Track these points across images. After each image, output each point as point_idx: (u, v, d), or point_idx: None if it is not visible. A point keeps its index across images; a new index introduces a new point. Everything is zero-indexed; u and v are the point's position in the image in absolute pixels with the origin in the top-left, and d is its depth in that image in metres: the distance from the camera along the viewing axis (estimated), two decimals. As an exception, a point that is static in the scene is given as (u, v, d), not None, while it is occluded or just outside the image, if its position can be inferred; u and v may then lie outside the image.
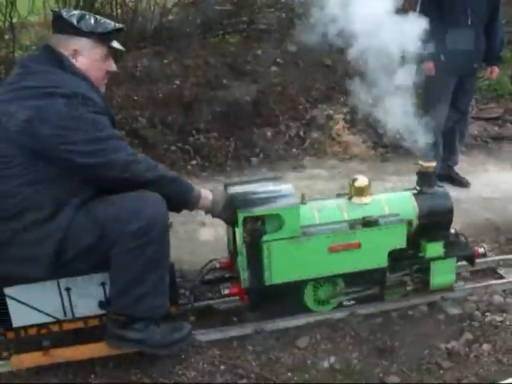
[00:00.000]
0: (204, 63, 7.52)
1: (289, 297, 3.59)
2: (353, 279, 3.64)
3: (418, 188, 3.79)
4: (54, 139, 2.81)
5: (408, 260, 3.73)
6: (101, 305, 3.22)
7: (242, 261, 3.37)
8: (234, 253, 3.64)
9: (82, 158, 2.86)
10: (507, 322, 3.61)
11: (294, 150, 7.01)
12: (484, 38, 5.44)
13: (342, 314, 3.68)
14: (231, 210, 3.31)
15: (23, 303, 3.14)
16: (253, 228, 3.31)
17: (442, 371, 3.26)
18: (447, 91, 5.48)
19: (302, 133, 7.26)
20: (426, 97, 5.64)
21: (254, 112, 7.19)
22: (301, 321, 3.61)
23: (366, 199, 3.65)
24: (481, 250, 3.95)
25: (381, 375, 3.25)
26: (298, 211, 3.36)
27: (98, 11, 7.03)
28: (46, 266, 2.96)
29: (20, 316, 3.17)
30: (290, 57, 8.05)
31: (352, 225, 3.52)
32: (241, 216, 3.26)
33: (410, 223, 3.62)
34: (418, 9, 5.28)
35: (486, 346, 3.41)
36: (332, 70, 8.10)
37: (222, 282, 3.74)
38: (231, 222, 3.44)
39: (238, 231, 3.32)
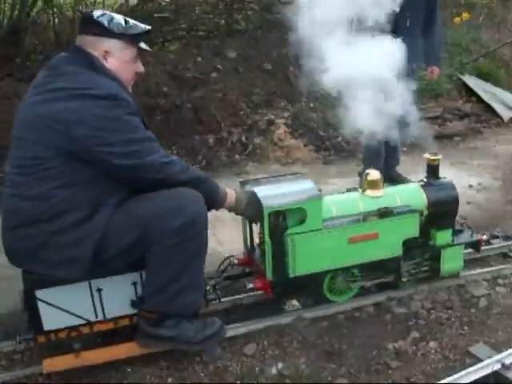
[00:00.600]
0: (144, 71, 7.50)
1: (309, 289, 3.72)
2: (369, 269, 3.76)
3: (425, 180, 3.93)
4: (90, 140, 2.82)
5: (420, 248, 3.86)
6: (133, 304, 3.24)
7: (268, 254, 3.45)
8: (251, 249, 3.75)
9: (118, 159, 2.88)
10: (452, 319, 3.68)
11: (236, 156, 6.98)
12: (422, 39, 5.51)
13: (288, 319, 3.67)
14: (254, 206, 3.39)
15: (54, 306, 3.12)
16: (277, 222, 3.41)
17: (390, 371, 3.27)
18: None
19: (244, 139, 7.24)
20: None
21: (195, 119, 7.14)
22: (249, 328, 3.59)
23: (378, 192, 3.77)
24: (484, 237, 4.17)
25: (329, 378, 3.23)
26: (320, 204, 3.47)
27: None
28: (84, 267, 2.98)
29: (51, 319, 3.13)
30: (230, 63, 8.03)
31: (369, 216, 3.65)
32: (267, 211, 3.35)
33: (420, 213, 3.75)
34: None
35: (432, 344, 3.44)
36: (272, 75, 8.10)
37: (242, 278, 3.85)
38: (254, 219, 3.54)
39: (265, 226, 3.39)
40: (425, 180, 3.96)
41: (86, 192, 2.92)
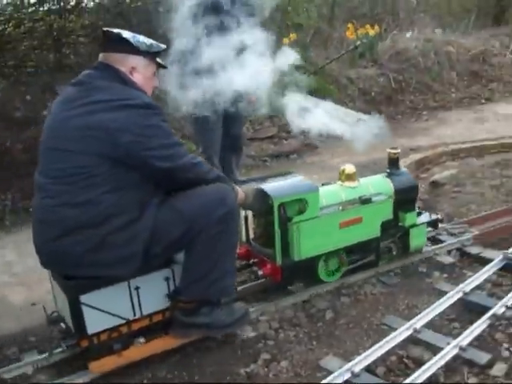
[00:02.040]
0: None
1: (308, 271, 4.08)
2: (354, 251, 4.24)
3: (388, 171, 4.50)
4: (134, 146, 3.04)
5: (393, 229, 4.41)
6: (169, 297, 3.44)
7: (277, 242, 3.83)
8: (248, 242, 4.17)
9: (159, 162, 3.11)
10: (300, 335, 3.67)
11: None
12: None
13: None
14: (261, 200, 3.78)
15: (97, 309, 3.22)
16: (285, 213, 3.82)
17: (244, 395, 3.28)
18: (219, 119, 5.29)
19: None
20: (199, 127, 5.56)
21: (28, 160, 6.54)
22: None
23: (354, 183, 4.29)
24: (439, 217, 4.81)
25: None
26: (318, 195, 3.92)
27: None
28: (136, 265, 3.18)
29: (94, 322, 3.24)
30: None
31: (353, 203, 4.17)
32: (277, 203, 3.75)
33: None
34: None
35: (283, 363, 3.42)
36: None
37: (245, 269, 4.20)
38: (260, 212, 3.94)
39: (275, 216, 3.77)
40: (388, 171, 4.50)
41: (131, 195, 3.13)
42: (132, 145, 3.03)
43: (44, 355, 3.49)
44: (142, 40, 3.31)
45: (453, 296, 3.87)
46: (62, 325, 3.45)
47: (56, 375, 3.40)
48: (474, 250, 4.63)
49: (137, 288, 3.32)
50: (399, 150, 4.51)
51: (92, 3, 8.86)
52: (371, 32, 11.98)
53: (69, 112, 3.10)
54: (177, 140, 3.33)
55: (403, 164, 6.21)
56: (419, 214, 4.61)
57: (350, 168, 4.32)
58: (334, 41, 12.38)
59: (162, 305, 3.46)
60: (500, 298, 3.87)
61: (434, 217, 4.67)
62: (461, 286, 3.98)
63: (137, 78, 3.30)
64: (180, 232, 3.21)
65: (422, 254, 4.56)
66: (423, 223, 4.55)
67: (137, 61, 3.29)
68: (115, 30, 3.31)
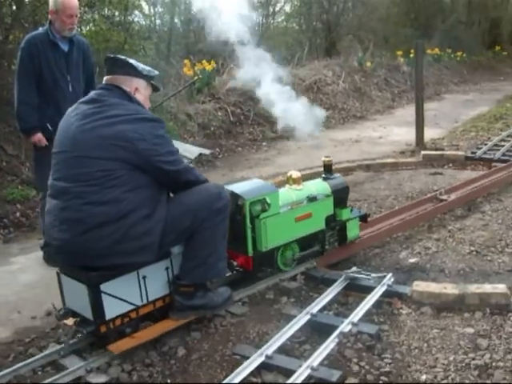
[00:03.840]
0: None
1: (270, 260, 4.65)
2: (304, 242, 4.85)
3: (323, 175, 5.25)
4: (149, 153, 3.60)
5: (333, 222, 5.08)
6: (172, 283, 3.96)
7: (248, 236, 4.44)
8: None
9: (168, 166, 3.70)
10: (154, 375, 3.63)
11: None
12: None
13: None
14: (231, 201, 4.23)
15: (114, 296, 3.67)
16: (254, 211, 4.44)
17: None
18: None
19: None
20: (35, 164, 5.77)
21: None
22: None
23: (300, 186, 4.98)
24: (367, 213, 5.61)
25: None
26: (278, 195, 4.62)
27: None
28: (155, 251, 3.72)
29: (111, 309, 3.67)
30: None
31: (302, 202, 4.85)
32: (247, 202, 4.40)
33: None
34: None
35: None
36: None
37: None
38: (231, 211, 4.31)
39: (246, 214, 4.40)
40: (324, 176, 5.25)
41: (146, 193, 3.66)
42: (148, 151, 3.60)
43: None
44: (142, 66, 3.94)
45: (301, 319, 3.98)
46: (70, 320, 3.87)
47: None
48: (317, 273, 4.77)
49: (144, 277, 3.81)
50: (332, 158, 5.30)
51: None
52: (208, 67, 12.19)
53: (90, 125, 3.59)
54: (175, 148, 3.87)
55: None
56: (351, 210, 5.29)
57: (296, 173, 5.07)
58: (172, 77, 12.74)
59: (163, 292, 3.96)
60: (346, 316, 4.02)
61: (362, 212, 5.49)
62: (308, 308, 4.09)
63: (139, 97, 3.88)
64: (188, 222, 3.80)
65: (268, 282, 4.66)
66: (356, 217, 5.27)
67: (139, 83, 3.90)
68: (121, 57, 3.96)
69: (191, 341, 3.94)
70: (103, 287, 3.61)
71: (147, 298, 3.86)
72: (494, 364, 3.52)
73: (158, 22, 19.11)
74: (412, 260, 5.24)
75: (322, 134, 11.38)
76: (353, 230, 5.22)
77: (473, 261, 5.19)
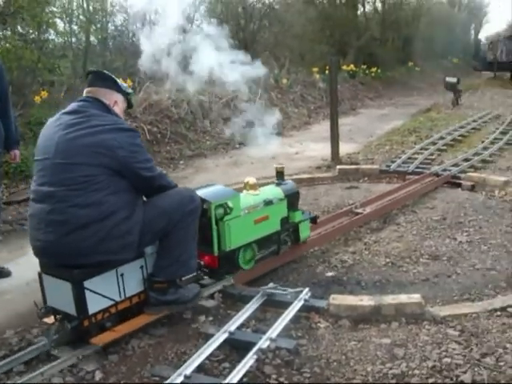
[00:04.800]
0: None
1: (233, 260, 4.94)
2: (262, 243, 5.19)
3: (276, 181, 5.64)
4: (128, 160, 3.90)
5: (287, 224, 5.46)
6: (147, 280, 4.25)
7: (214, 236, 4.75)
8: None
9: (145, 172, 4.02)
10: None
11: None
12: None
13: None
14: None
15: (95, 292, 3.93)
16: (218, 213, 4.74)
17: None
18: None
19: None
20: None
21: None
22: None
23: (256, 191, 5.31)
24: (317, 215, 6.13)
25: None
26: (239, 199, 4.95)
27: None
28: (134, 250, 4.05)
29: (93, 304, 3.92)
30: None
31: (259, 205, 5.18)
32: (213, 205, 4.69)
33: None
34: None
35: None
36: None
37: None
38: None
39: (212, 216, 4.70)
40: (276, 181, 5.65)
41: (125, 197, 3.95)
42: (126, 158, 3.89)
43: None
44: (121, 82, 4.33)
45: (219, 337, 3.95)
46: (51, 319, 4.11)
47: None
48: (235, 291, 4.77)
49: (122, 274, 4.08)
50: (284, 165, 5.82)
51: None
52: (124, 85, 12.03)
53: (73, 134, 3.85)
54: (149, 156, 4.18)
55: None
56: (302, 213, 5.68)
57: (252, 180, 5.42)
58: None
59: (139, 289, 4.24)
60: (264, 332, 4.00)
61: (312, 215, 5.89)
62: (226, 326, 4.07)
63: (117, 109, 4.20)
64: (163, 223, 4.12)
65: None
66: (307, 219, 5.68)
67: (118, 97, 4.25)
68: (104, 71, 4.31)
69: (108, 364, 3.87)
70: (86, 284, 3.87)
71: (125, 294, 4.13)
72: (410, 372, 3.58)
73: (73, 39, 18.75)
74: (329, 274, 5.30)
75: (240, 152, 11.46)
76: (304, 231, 5.65)
77: (388, 272, 5.30)
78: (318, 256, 5.78)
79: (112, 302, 4.06)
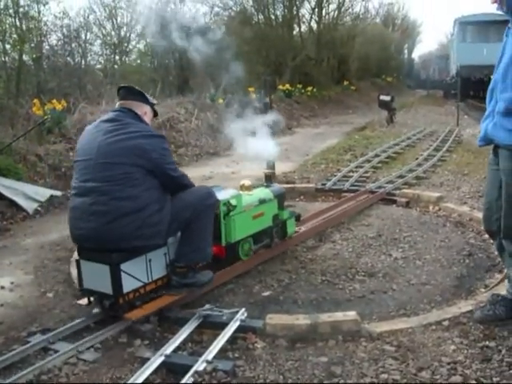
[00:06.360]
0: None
1: (234, 252, 5.63)
2: (256, 237, 5.90)
3: (265, 184, 6.46)
4: (159, 161, 4.54)
5: (277, 220, 6.19)
6: (170, 265, 4.86)
7: (223, 229, 5.47)
8: None
9: (172, 172, 4.69)
10: None
11: None
12: None
13: None
14: None
15: (129, 274, 4.49)
16: (226, 209, 5.47)
17: None
18: None
19: None
20: None
21: None
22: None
23: (251, 192, 6.04)
24: (300, 213, 6.90)
25: None
26: (242, 198, 5.69)
27: None
28: (163, 237, 4.68)
29: (126, 284, 4.47)
30: None
31: (256, 203, 5.86)
32: (222, 203, 5.40)
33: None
34: None
35: None
36: None
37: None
38: None
39: (221, 212, 5.42)
40: (265, 184, 6.45)
41: (156, 192, 4.57)
42: (158, 160, 4.53)
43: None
44: (148, 95, 4.95)
45: (155, 361, 3.88)
46: (84, 300, 4.75)
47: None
48: (171, 313, 4.71)
49: (150, 260, 4.67)
50: (273, 171, 6.39)
51: None
52: (58, 106, 11.90)
53: (113, 138, 4.47)
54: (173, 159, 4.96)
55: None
56: (288, 211, 6.46)
57: (247, 182, 6.18)
58: (21, 118, 12.16)
59: (163, 273, 4.83)
60: (201, 354, 3.96)
61: (296, 213, 6.66)
62: (162, 350, 4.00)
63: (146, 119, 4.84)
64: (188, 214, 4.73)
65: (121, 325, 4.56)
66: (293, 217, 6.43)
67: (148, 108, 4.89)
68: (135, 86, 4.97)
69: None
70: (122, 266, 4.43)
71: (152, 277, 4.70)
72: (347, 389, 3.58)
73: (6, 59, 18.45)
74: (265, 293, 5.28)
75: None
76: (291, 227, 6.40)
77: (325, 290, 5.31)
78: (255, 276, 5.75)
79: (141, 284, 4.62)
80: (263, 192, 6.15)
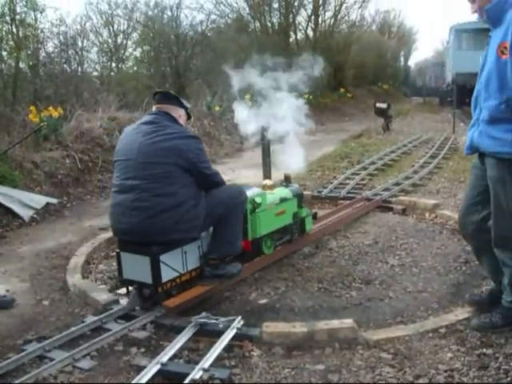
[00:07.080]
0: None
1: (258, 246, 6.00)
2: (277, 234, 6.26)
3: (284, 184, 6.78)
4: (195, 160, 4.88)
5: (297, 218, 6.55)
6: (203, 257, 5.25)
7: (250, 225, 5.81)
8: None
9: (207, 170, 5.04)
10: None
11: None
12: None
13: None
14: None
15: (167, 265, 4.87)
16: (252, 207, 5.79)
17: None
18: None
19: None
20: None
21: None
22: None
23: (273, 191, 6.41)
24: (316, 211, 7.53)
25: None
26: (266, 196, 6.06)
27: None
28: (198, 231, 5.05)
29: (165, 274, 4.85)
30: None
31: (276, 202, 6.22)
32: (249, 200, 5.66)
33: (292, 200, 6.56)
34: None
35: None
36: None
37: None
38: None
39: (248, 209, 5.71)
40: (284, 184, 6.77)
41: (192, 189, 4.91)
42: (194, 159, 4.87)
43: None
44: (182, 99, 5.26)
45: (151, 369, 3.84)
46: (123, 290, 5.26)
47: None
48: (167, 321, 4.68)
49: (185, 252, 5.06)
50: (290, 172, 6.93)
51: None
52: (55, 114, 11.88)
53: (152, 140, 4.79)
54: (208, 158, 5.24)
55: (92, 244, 6.97)
56: (306, 210, 6.79)
57: (269, 182, 6.65)
58: (17, 125, 12.22)
59: (196, 264, 5.23)
60: (197, 362, 3.95)
61: (313, 211, 7.21)
62: (158, 358, 3.97)
63: (181, 121, 5.17)
64: (221, 210, 5.08)
65: (116, 334, 4.51)
66: (310, 215, 6.84)
67: (182, 112, 5.22)
68: (170, 91, 5.37)
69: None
70: (161, 257, 4.80)
71: (187, 268, 5.10)
72: (344, 398, 3.56)
73: (3, 66, 18.43)
74: (262, 301, 5.27)
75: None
76: (309, 224, 6.79)
77: (321, 298, 5.29)
78: (251, 283, 5.73)
79: (177, 274, 5.00)
80: (284, 191, 6.51)
